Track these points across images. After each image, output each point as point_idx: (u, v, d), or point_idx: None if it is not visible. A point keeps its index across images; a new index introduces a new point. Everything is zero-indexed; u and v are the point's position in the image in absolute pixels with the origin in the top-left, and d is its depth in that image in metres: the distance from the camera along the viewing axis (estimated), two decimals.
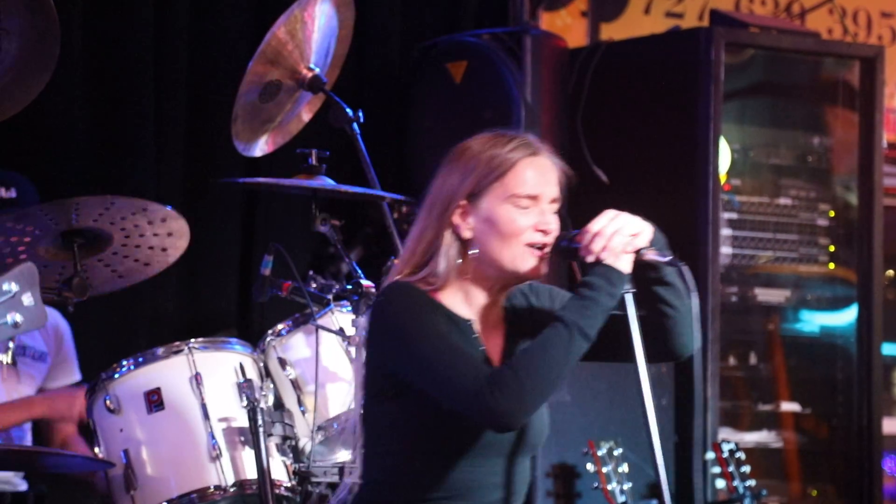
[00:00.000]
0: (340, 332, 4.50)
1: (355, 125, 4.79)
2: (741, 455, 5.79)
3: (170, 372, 4.48)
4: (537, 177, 3.27)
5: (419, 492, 3.23)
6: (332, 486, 4.50)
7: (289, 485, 4.45)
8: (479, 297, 3.30)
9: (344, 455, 4.62)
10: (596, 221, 3.23)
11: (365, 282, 4.46)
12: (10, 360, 4.97)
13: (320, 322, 4.53)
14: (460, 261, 3.28)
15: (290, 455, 4.48)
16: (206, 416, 4.43)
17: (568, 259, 3.28)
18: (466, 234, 3.27)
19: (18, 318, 2.82)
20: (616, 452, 5.43)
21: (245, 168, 5.84)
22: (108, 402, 4.48)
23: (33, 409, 5.01)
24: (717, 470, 5.87)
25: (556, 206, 3.31)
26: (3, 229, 4.25)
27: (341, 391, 4.52)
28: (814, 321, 6.60)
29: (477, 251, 3.25)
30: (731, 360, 6.43)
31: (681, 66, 6.28)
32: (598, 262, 3.20)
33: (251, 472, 4.38)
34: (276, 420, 4.42)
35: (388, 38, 6.54)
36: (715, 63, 6.16)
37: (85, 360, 5.24)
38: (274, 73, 4.70)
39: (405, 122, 6.51)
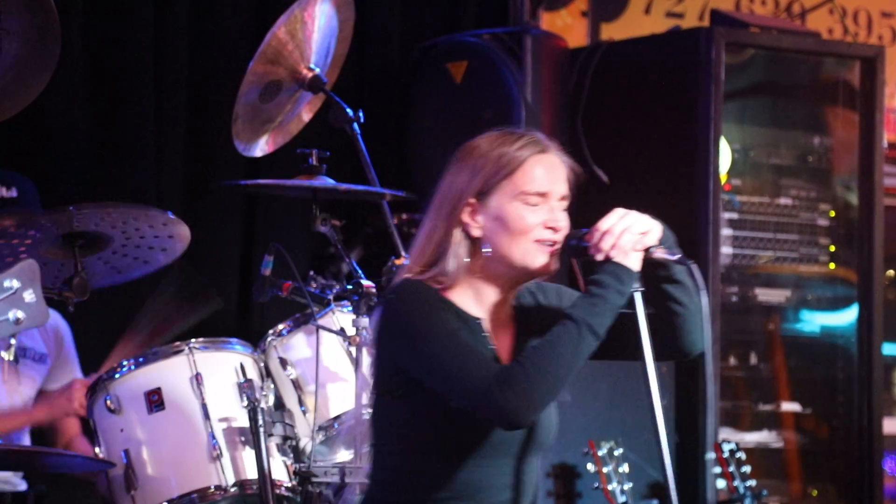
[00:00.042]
0: (341, 332, 4.50)
1: (355, 125, 4.79)
2: (742, 455, 5.80)
3: (170, 372, 4.48)
4: (546, 174, 3.27)
5: (427, 492, 3.22)
6: (332, 486, 4.50)
7: (289, 485, 4.45)
8: (490, 295, 3.30)
9: (345, 455, 4.63)
10: (605, 220, 3.24)
11: (365, 282, 4.46)
12: (11, 357, 4.97)
13: (321, 322, 4.53)
14: (470, 259, 3.28)
15: (291, 455, 4.48)
16: (206, 416, 4.43)
17: (577, 257, 3.28)
18: (476, 232, 3.27)
19: (20, 314, 2.82)
20: (616, 452, 5.43)
21: (245, 168, 5.84)
22: (108, 402, 4.48)
23: (34, 414, 5.01)
24: (717, 470, 5.87)
25: (565, 204, 3.31)
26: (4, 233, 4.26)
27: (342, 391, 4.52)
28: (814, 321, 6.60)
29: (489, 249, 3.25)
30: (732, 360, 6.43)
31: (681, 66, 6.28)
32: (608, 260, 3.20)
33: (252, 473, 4.38)
34: (276, 420, 4.42)
35: (388, 38, 6.54)
36: (715, 63, 6.16)
37: (85, 360, 5.24)
38: (274, 74, 4.70)
39: (405, 122, 6.51)
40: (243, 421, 4.39)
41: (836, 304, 6.59)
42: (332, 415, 4.52)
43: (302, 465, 4.44)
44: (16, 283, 2.82)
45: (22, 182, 5.12)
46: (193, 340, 4.52)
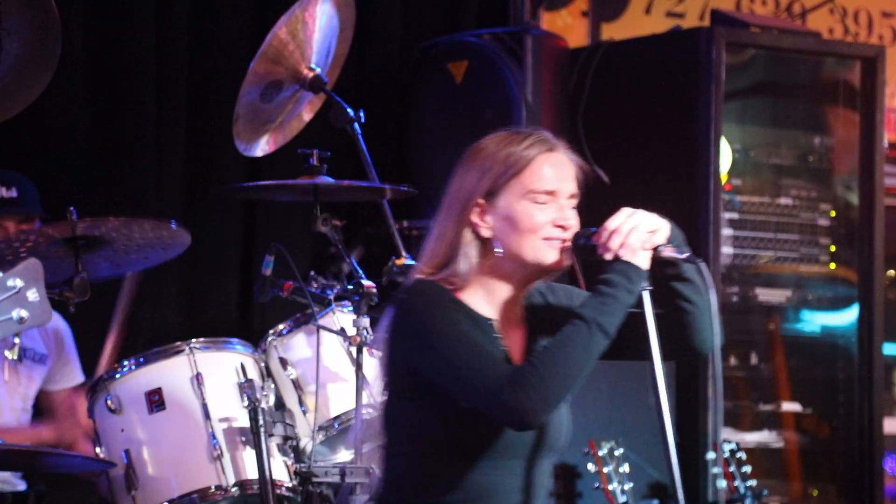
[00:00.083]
0: (341, 332, 4.50)
1: (356, 125, 4.80)
2: (742, 455, 5.80)
3: (171, 372, 4.48)
4: (554, 172, 3.27)
5: (438, 494, 3.21)
6: (333, 487, 4.50)
7: (290, 485, 4.45)
8: (501, 295, 3.29)
9: (345, 455, 4.63)
10: (613, 219, 3.23)
11: (366, 282, 4.46)
12: (16, 357, 4.98)
13: (321, 322, 4.53)
14: (480, 259, 3.27)
15: (291, 455, 4.48)
16: (207, 416, 4.43)
17: (585, 257, 3.27)
18: (485, 232, 3.27)
19: (24, 313, 2.82)
20: (617, 452, 5.43)
21: (246, 168, 5.84)
22: (109, 402, 4.48)
23: (42, 434, 5.01)
24: (717, 470, 5.87)
25: (574, 202, 3.31)
26: (6, 239, 4.27)
27: (342, 391, 4.52)
28: (815, 321, 6.60)
29: (500, 249, 3.25)
30: (732, 360, 6.43)
31: (682, 66, 6.28)
32: (616, 259, 3.20)
33: (252, 473, 4.38)
34: (277, 420, 4.43)
35: (388, 38, 6.54)
36: (716, 63, 6.16)
37: (85, 360, 5.24)
38: (275, 73, 4.70)
39: (406, 122, 6.51)
40: (244, 421, 4.39)
41: (837, 304, 6.59)
42: (333, 415, 4.52)
43: (302, 465, 4.43)
44: (19, 282, 2.82)
45: (22, 182, 5.12)
46: (194, 340, 4.52)
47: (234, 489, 4.40)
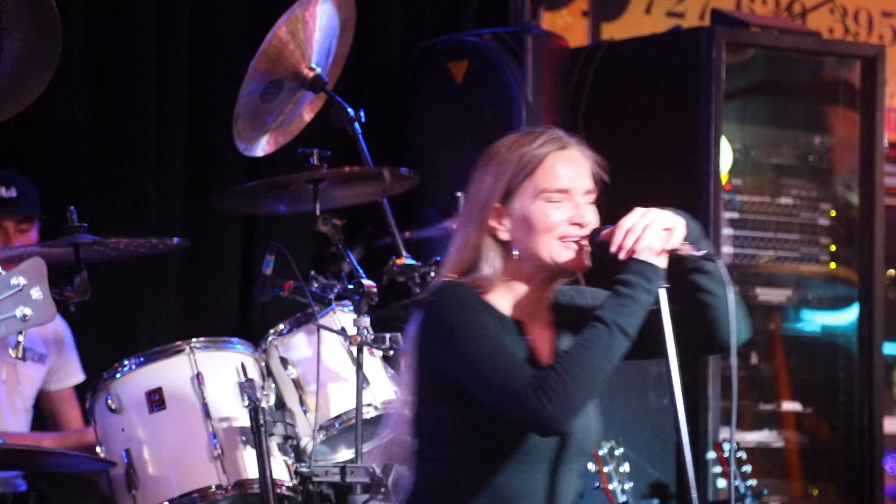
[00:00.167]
0: (342, 331, 4.50)
1: (356, 125, 4.80)
2: (742, 454, 5.79)
3: (171, 371, 4.48)
4: (568, 170, 3.26)
5: (465, 499, 3.20)
6: (333, 486, 4.49)
7: (290, 484, 4.45)
8: (526, 296, 3.28)
9: (345, 454, 4.63)
10: (627, 218, 3.22)
11: (366, 281, 4.46)
12: (20, 355, 4.97)
13: (322, 321, 4.53)
14: (503, 264, 3.26)
15: (292, 455, 4.48)
16: (207, 415, 4.43)
17: (600, 255, 3.25)
18: (503, 235, 3.25)
19: (27, 311, 2.83)
20: (617, 452, 5.42)
21: (246, 168, 5.84)
22: (109, 401, 4.48)
23: (48, 445, 5.01)
24: (718, 469, 5.87)
25: (591, 198, 3.29)
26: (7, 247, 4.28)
27: (343, 391, 4.52)
28: (815, 321, 6.60)
29: (517, 252, 3.24)
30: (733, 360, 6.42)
31: (682, 66, 6.27)
32: (633, 259, 3.18)
33: (252, 472, 4.38)
34: (277, 419, 4.42)
35: (389, 38, 6.54)
36: (716, 62, 6.16)
37: (86, 359, 5.24)
38: (275, 73, 4.70)
39: (406, 121, 6.51)
40: (244, 420, 4.39)
41: (837, 304, 6.59)
42: (333, 414, 4.52)
43: (303, 464, 4.43)
44: (23, 281, 2.83)
45: (22, 182, 5.12)
46: (194, 340, 4.52)
47: (234, 489, 4.40)
